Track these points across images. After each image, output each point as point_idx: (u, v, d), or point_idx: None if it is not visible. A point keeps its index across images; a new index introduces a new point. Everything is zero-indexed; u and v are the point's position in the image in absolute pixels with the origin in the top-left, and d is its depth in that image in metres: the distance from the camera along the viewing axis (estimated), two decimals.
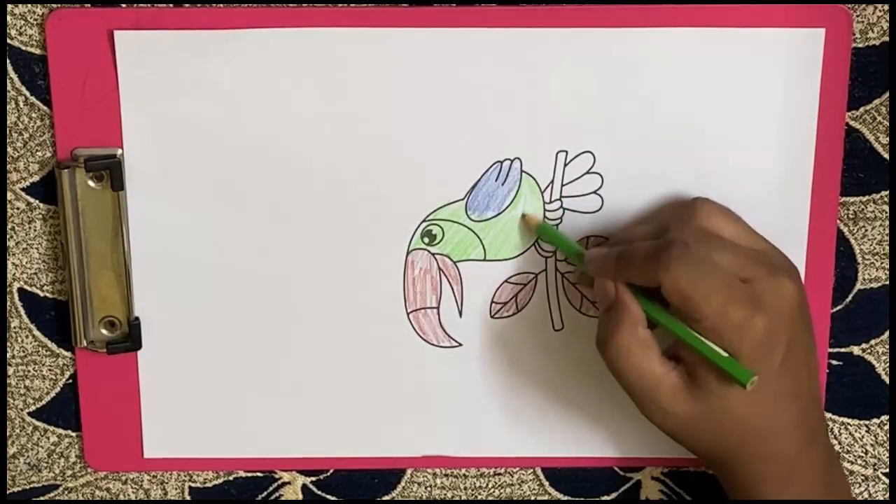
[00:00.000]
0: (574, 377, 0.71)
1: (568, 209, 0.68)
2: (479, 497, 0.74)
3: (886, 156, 0.68)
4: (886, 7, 0.66)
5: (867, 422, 0.73)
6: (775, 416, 0.62)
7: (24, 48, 0.66)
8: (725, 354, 0.59)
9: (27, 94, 0.67)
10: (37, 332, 0.71)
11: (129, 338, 0.70)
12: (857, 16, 0.66)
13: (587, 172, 0.68)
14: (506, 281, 0.70)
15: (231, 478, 0.74)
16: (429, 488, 0.74)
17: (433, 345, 0.71)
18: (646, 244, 0.61)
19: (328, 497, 0.74)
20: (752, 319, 0.59)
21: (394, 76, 0.66)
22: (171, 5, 0.65)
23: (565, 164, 0.68)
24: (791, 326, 0.60)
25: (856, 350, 0.72)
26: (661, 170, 0.68)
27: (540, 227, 0.68)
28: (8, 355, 0.71)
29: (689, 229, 0.62)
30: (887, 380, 0.72)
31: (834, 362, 0.72)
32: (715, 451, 0.64)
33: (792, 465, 0.63)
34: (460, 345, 0.71)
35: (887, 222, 0.69)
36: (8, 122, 0.67)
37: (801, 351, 0.62)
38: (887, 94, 0.67)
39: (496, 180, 0.68)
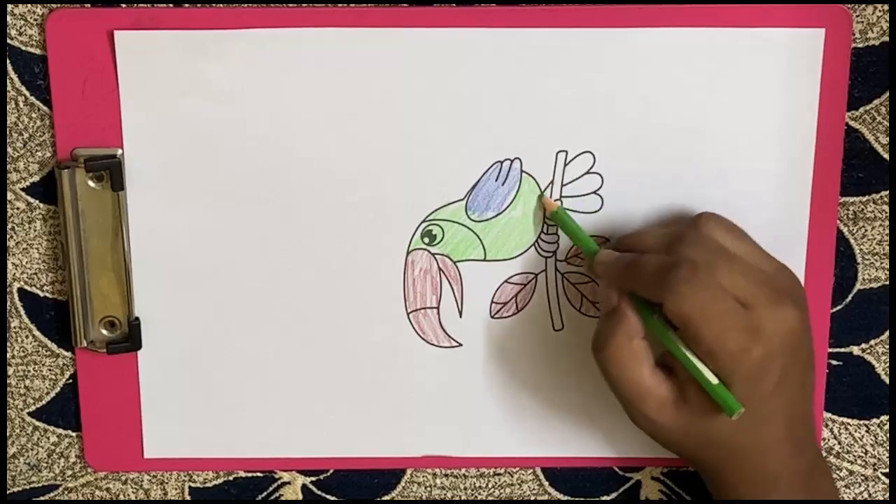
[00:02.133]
0: (574, 377, 0.71)
1: (568, 209, 0.68)
2: (479, 497, 0.74)
3: (886, 156, 0.68)
4: (886, 7, 0.66)
5: (867, 422, 0.73)
6: (762, 435, 0.63)
7: (24, 48, 0.66)
8: (716, 381, 0.60)
9: (27, 94, 0.67)
10: (37, 332, 0.71)
11: (129, 338, 0.70)
12: (857, 16, 0.66)
13: (587, 172, 0.68)
14: (506, 281, 0.70)
15: (231, 478, 0.74)
16: (429, 488, 0.74)
17: (433, 345, 0.71)
18: (655, 259, 0.61)
19: (328, 497, 0.74)
20: (749, 349, 0.60)
21: (394, 76, 0.66)
22: (170, 5, 0.65)
23: (565, 164, 0.68)
24: (788, 354, 0.61)
25: (856, 350, 0.72)
26: (661, 170, 0.68)
27: (556, 212, 0.68)
28: (8, 355, 0.71)
29: (702, 242, 0.62)
30: (887, 380, 0.72)
31: (834, 362, 0.72)
32: (699, 460, 0.65)
33: (775, 476, 0.64)
34: (460, 345, 0.71)
35: (887, 222, 0.69)
36: (8, 122, 0.67)
37: (796, 374, 0.62)
38: (887, 94, 0.67)
39: (496, 180, 0.68)
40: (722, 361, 0.60)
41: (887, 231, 0.69)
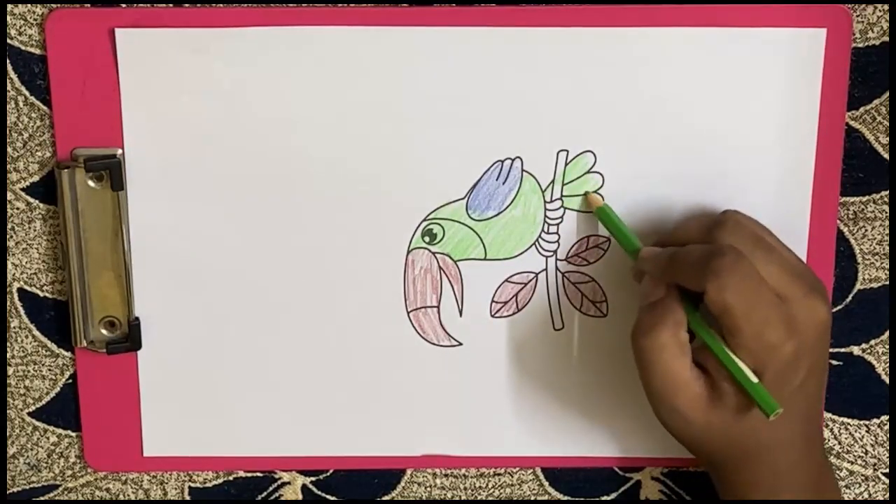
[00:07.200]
0: (574, 377, 0.71)
1: (569, 209, 0.68)
2: (479, 497, 0.74)
3: (886, 156, 0.68)
4: (886, 7, 0.66)
5: (867, 422, 0.73)
6: (781, 431, 0.62)
7: (24, 48, 0.66)
8: (756, 380, 0.60)
9: (27, 94, 0.67)
10: (37, 332, 0.71)
11: (129, 338, 0.70)
12: (857, 16, 0.66)
13: (588, 172, 0.68)
14: (506, 280, 0.70)
15: (231, 478, 0.74)
16: (429, 488, 0.74)
17: (433, 344, 0.71)
18: (698, 248, 0.61)
19: (328, 497, 0.74)
20: (784, 343, 0.60)
21: (394, 75, 0.66)
22: (170, 5, 0.65)
23: (566, 164, 0.68)
24: (816, 351, 0.61)
25: (856, 350, 0.72)
26: (662, 169, 0.68)
27: (601, 209, 0.68)
28: (8, 355, 0.71)
29: (741, 231, 0.62)
30: (887, 380, 0.72)
31: (834, 362, 0.72)
32: (716, 458, 0.65)
33: (786, 474, 0.64)
34: (460, 344, 0.71)
35: (887, 222, 0.69)
36: (8, 122, 0.67)
37: (818, 372, 0.63)
38: (887, 94, 0.67)
39: (497, 179, 0.68)
40: (756, 354, 0.60)
41: (887, 231, 0.69)
